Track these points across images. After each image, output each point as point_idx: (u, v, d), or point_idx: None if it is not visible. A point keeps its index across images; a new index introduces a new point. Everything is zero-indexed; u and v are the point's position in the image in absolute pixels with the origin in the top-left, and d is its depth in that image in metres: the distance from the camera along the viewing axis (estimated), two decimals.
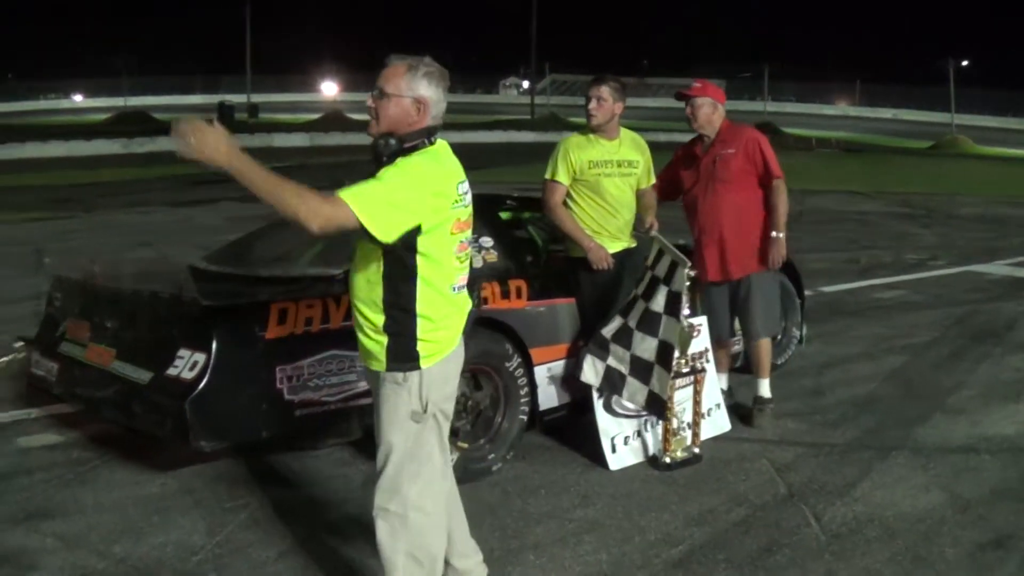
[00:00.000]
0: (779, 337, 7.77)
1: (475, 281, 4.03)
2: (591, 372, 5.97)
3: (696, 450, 6.10)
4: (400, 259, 3.62)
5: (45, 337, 6.25)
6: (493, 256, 6.15)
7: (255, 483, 5.70)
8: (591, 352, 6.00)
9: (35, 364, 6.12)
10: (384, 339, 3.72)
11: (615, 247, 6.33)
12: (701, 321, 6.39)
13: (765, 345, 6.93)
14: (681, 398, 6.06)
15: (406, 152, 3.67)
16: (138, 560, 4.73)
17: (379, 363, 3.76)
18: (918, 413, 7.03)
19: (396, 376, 3.73)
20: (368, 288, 3.72)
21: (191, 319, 5.13)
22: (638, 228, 6.44)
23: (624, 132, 6.47)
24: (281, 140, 42.08)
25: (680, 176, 6.90)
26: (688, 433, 6.11)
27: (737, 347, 7.50)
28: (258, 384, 5.10)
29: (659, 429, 6.04)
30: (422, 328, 3.69)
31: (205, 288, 5.31)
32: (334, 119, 60.39)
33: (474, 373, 5.82)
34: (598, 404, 6.00)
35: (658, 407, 5.87)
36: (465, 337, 3.92)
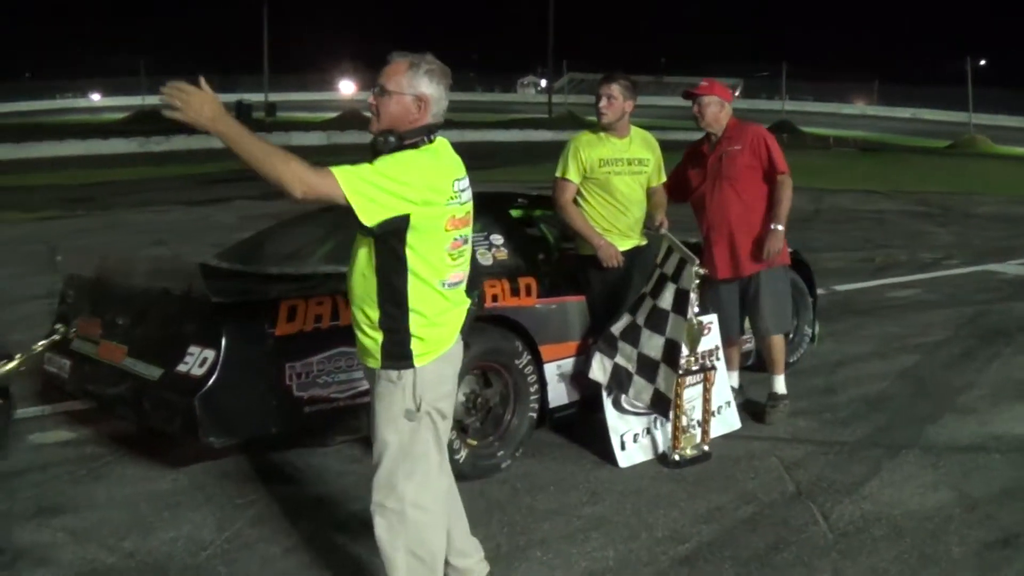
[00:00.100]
0: (791, 335, 7.76)
1: (475, 280, 4.03)
2: (599, 370, 6.00)
3: (705, 448, 6.11)
4: (392, 252, 3.63)
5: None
6: (503, 254, 6.18)
7: (265, 479, 5.73)
8: (600, 350, 6.02)
9: (48, 361, 6.17)
10: (379, 336, 3.73)
11: (625, 245, 6.35)
12: (711, 319, 6.39)
13: (778, 342, 6.93)
14: (691, 396, 6.07)
15: (404, 148, 3.68)
16: (147, 555, 4.77)
17: (374, 360, 3.79)
18: (928, 412, 7.02)
19: (390, 374, 3.75)
20: (363, 283, 3.74)
21: (201, 316, 5.17)
22: (648, 226, 6.45)
23: (635, 130, 6.48)
24: (298, 139, 42.07)
25: (688, 175, 6.91)
26: (698, 431, 6.12)
27: (748, 345, 7.50)
28: (267, 381, 5.13)
29: (669, 426, 6.04)
30: (415, 324, 3.70)
31: (215, 285, 5.33)
32: (351, 118, 60.31)
33: (484, 370, 5.85)
34: (607, 401, 6.01)
35: (663, 406, 5.89)
36: (463, 336, 3.92)
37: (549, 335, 6.12)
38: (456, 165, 3.82)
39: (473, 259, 5.83)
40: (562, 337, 6.23)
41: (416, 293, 3.68)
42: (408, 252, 3.63)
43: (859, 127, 70.30)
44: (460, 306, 3.87)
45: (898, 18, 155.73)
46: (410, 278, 3.66)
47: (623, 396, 6.02)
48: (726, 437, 6.43)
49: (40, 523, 5.10)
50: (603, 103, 6.29)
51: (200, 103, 3.28)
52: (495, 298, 5.82)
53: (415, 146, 3.70)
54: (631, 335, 5.96)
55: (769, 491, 5.60)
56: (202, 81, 3.33)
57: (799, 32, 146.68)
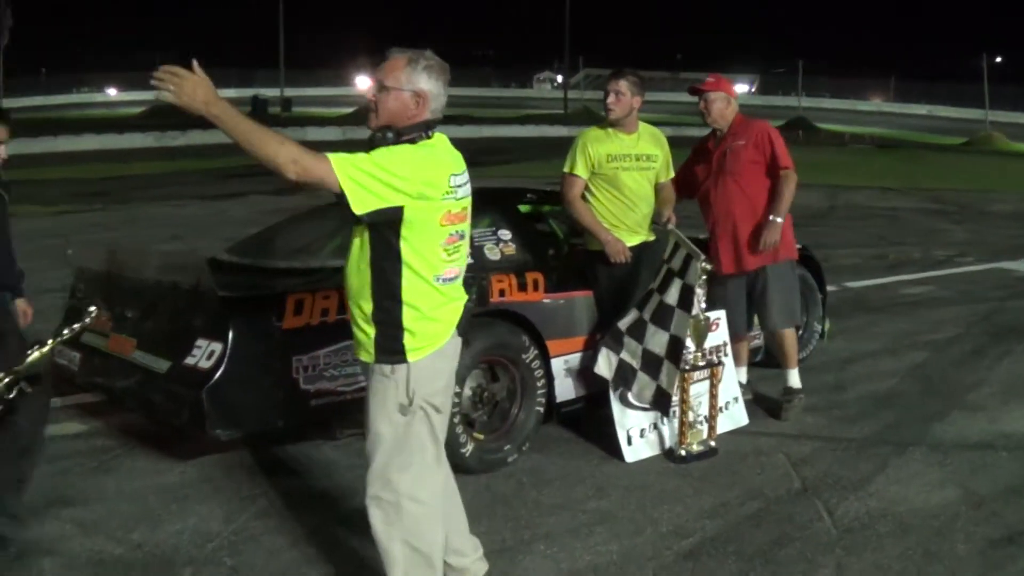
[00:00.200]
0: (800, 332, 7.76)
1: (474, 276, 4.03)
2: (605, 365, 6.01)
3: (712, 443, 6.12)
4: (387, 245, 3.63)
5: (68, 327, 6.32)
6: (511, 249, 6.19)
7: (273, 472, 5.77)
8: (606, 345, 6.03)
9: (58, 354, 6.19)
10: (372, 330, 3.74)
11: (633, 240, 6.36)
12: (719, 315, 6.40)
13: (790, 336, 6.93)
14: (697, 391, 6.08)
15: (402, 143, 3.68)
16: (154, 546, 4.81)
17: (368, 354, 3.80)
18: (937, 409, 7.01)
19: (384, 368, 3.76)
20: (358, 276, 3.75)
21: (208, 310, 5.19)
22: (656, 222, 6.46)
23: (643, 126, 6.49)
24: (314, 134, 42.04)
25: (694, 171, 6.91)
26: (704, 426, 6.13)
27: (757, 341, 7.51)
28: (274, 374, 5.16)
29: (675, 422, 6.05)
30: (409, 317, 3.70)
31: (223, 279, 5.36)
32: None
33: (491, 365, 5.87)
34: (614, 396, 6.03)
35: (664, 403, 5.90)
36: (461, 332, 3.92)
37: (556, 330, 6.14)
38: (454, 160, 3.82)
39: (480, 254, 5.88)
40: (569, 332, 6.24)
41: (410, 287, 3.68)
42: (402, 245, 3.63)
43: (875, 124, 70.01)
44: (456, 301, 3.87)
45: (915, 15, 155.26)
46: (404, 271, 3.66)
47: (627, 392, 6.03)
48: (733, 433, 6.44)
49: (49, 515, 5.13)
50: (611, 99, 6.30)
51: (193, 87, 3.27)
52: (502, 293, 5.84)
53: (412, 141, 3.70)
54: (637, 331, 5.97)
55: (775, 487, 5.60)
56: (195, 64, 3.32)
57: (815, 29, 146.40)
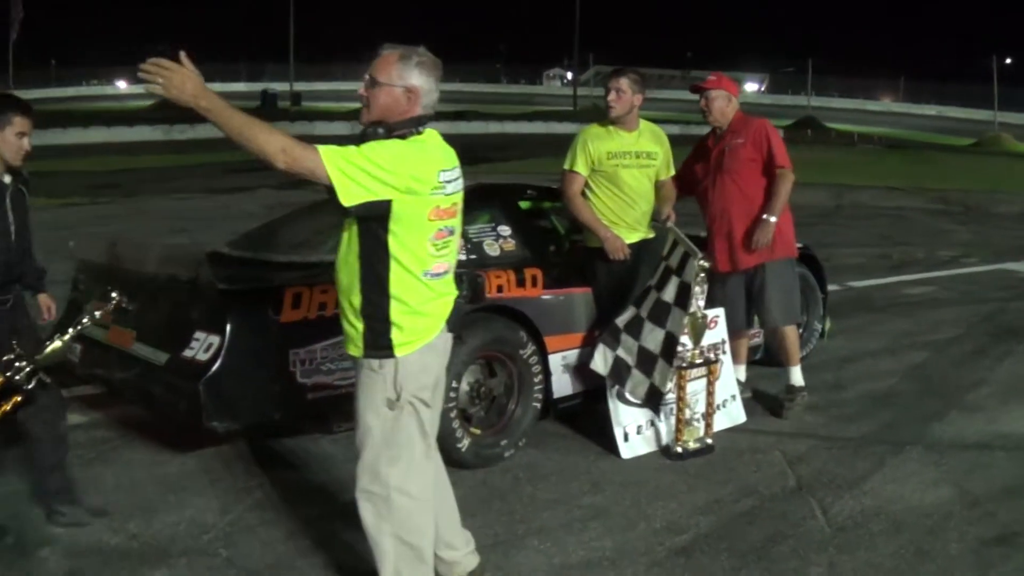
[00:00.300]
0: (801, 330, 7.76)
1: (465, 272, 4.04)
2: (601, 361, 6.03)
3: (709, 440, 6.13)
4: (375, 239, 3.65)
5: (70, 319, 6.35)
6: (511, 245, 6.21)
7: (271, 465, 5.80)
8: (603, 341, 6.05)
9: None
10: (360, 324, 3.77)
11: (632, 238, 6.38)
12: (718, 312, 6.41)
13: (791, 333, 6.93)
14: (694, 389, 6.10)
15: (392, 139, 3.70)
16: (151, 537, 4.84)
17: (356, 348, 3.82)
18: (935, 409, 7.02)
19: (372, 363, 3.78)
20: (347, 270, 3.78)
21: (207, 303, 5.22)
22: (655, 219, 6.48)
23: (644, 124, 6.52)
24: (323, 128, 42.12)
25: (694, 169, 6.92)
26: (701, 423, 6.14)
27: (756, 340, 7.52)
28: (271, 367, 5.19)
29: (672, 419, 6.07)
30: (396, 311, 3.72)
31: (222, 273, 5.38)
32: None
33: (488, 360, 5.89)
34: (611, 393, 6.04)
35: (655, 401, 5.92)
36: (452, 327, 3.93)
37: (554, 326, 6.15)
38: (445, 156, 3.83)
39: (479, 250, 5.90)
40: (567, 328, 6.26)
41: (398, 281, 3.70)
42: (391, 240, 3.65)
43: (884, 124, 70.05)
44: (446, 296, 3.88)
45: (925, 15, 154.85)
46: (392, 265, 3.68)
47: (622, 389, 6.04)
48: (731, 430, 6.46)
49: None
50: (612, 97, 6.33)
51: (182, 80, 3.29)
52: (500, 288, 5.86)
53: (403, 137, 3.71)
54: (634, 328, 5.99)
55: (770, 485, 5.62)
56: (183, 56, 3.33)
57: (826, 28, 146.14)
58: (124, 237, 8.72)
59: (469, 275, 4.05)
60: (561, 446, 6.17)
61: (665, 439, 6.11)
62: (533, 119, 55.34)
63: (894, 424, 6.71)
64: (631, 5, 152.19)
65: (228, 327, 5.06)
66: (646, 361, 5.90)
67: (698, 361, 6.08)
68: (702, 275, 5.88)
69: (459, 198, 3.89)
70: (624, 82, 6.31)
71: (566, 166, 6.45)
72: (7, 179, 4.72)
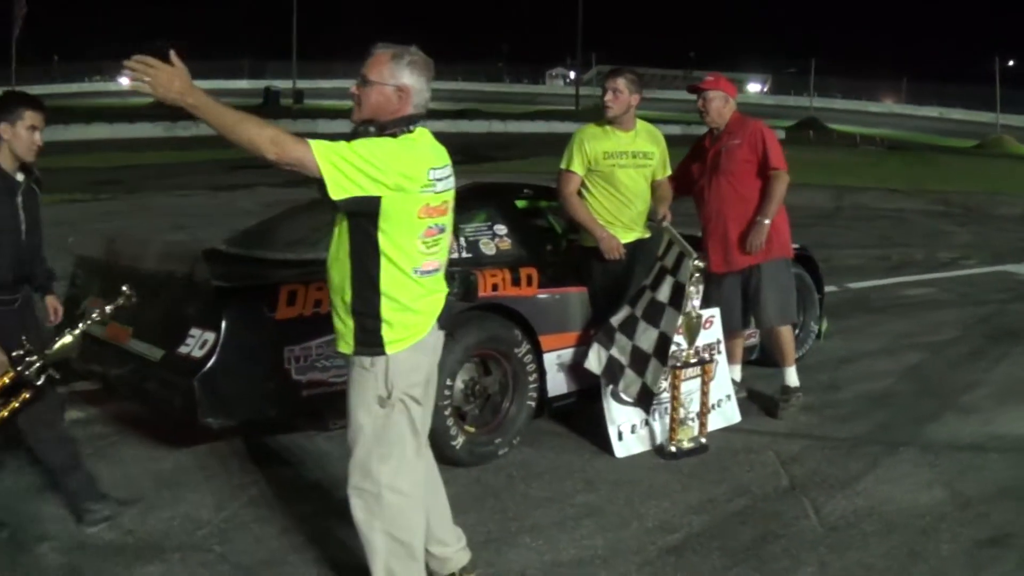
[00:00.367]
0: (797, 331, 7.77)
1: (458, 270, 4.05)
2: (595, 360, 6.05)
3: (703, 440, 6.15)
4: (365, 235, 3.67)
5: (68, 316, 6.37)
6: (507, 244, 6.22)
7: (266, 462, 5.82)
8: (598, 340, 6.07)
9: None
10: (351, 320, 3.79)
11: (628, 237, 6.39)
12: (713, 313, 6.43)
13: (786, 333, 6.95)
14: (688, 388, 6.11)
15: (383, 137, 3.72)
16: (145, 532, 4.87)
17: (347, 346, 3.85)
18: (931, 410, 7.03)
19: (363, 360, 3.80)
20: (338, 266, 3.80)
21: (202, 299, 5.23)
22: (651, 219, 6.49)
23: (640, 124, 6.52)
24: (325, 126, 42.09)
25: (691, 169, 6.94)
26: (695, 423, 6.16)
27: (752, 340, 7.53)
28: (266, 364, 5.21)
29: (667, 418, 6.09)
30: (387, 308, 3.73)
31: (218, 270, 5.41)
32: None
33: (483, 358, 5.92)
34: (606, 392, 6.06)
35: (647, 401, 5.93)
36: (444, 325, 3.95)
37: (549, 325, 6.17)
38: (435, 154, 3.85)
39: (475, 248, 5.90)
40: (563, 327, 6.27)
41: (389, 278, 3.71)
42: (380, 236, 3.67)
43: (886, 125, 69.97)
44: (436, 293, 3.90)
45: (928, 17, 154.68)
46: (382, 262, 3.69)
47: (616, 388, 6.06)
48: (725, 430, 6.47)
49: (44, 499, 5.19)
50: (609, 96, 6.34)
51: (169, 78, 3.30)
52: (495, 287, 5.87)
53: (394, 135, 3.73)
54: (629, 327, 6.00)
55: (763, 484, 5.63)
56: (172, 54, 3.34)
57: (828, 29, 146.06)
58: (121, 233, 8.74)
59: (461, 273, 4.06)
60: (555, 444, 6.19)
61: (659, 438, 6.13)
62: (535, 118, 55.31)
63: (889, 425, 6.72)
64: (634, 5, 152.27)
65: (223, 324, 5.08)
66: (639, 361, 5.92)
67: (692, 361, 6.10)
68: (697, 275, 5.90)
69: (450, 196, 3.91)
70: (621, 82, 6.32)
71: (562, 165, 6.46)
72: (20, 177, 4.72)
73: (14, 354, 4.46)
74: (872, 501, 5.39)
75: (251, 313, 5.21)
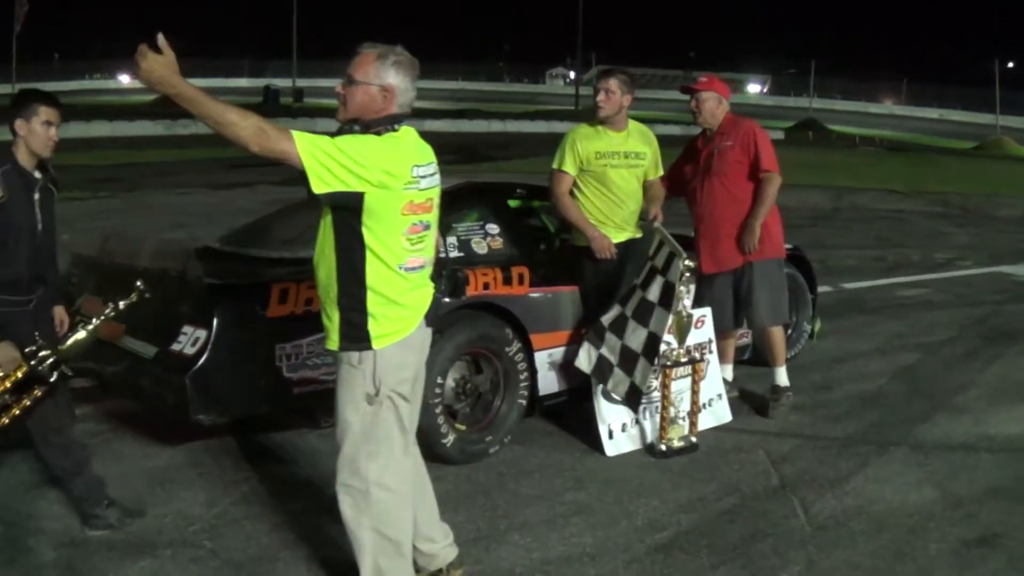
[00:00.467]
0: (789, 331, 7.79)
1: (442, 267, 4.07)
2: (585, 359, 6.07)
3: (693, 439, 6.16)
4: (350, 230, 3.69)
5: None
6: (498, 243, 6.25)
7: (259, 459, 5.85)
8: (588, 339, 6.09)
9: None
10: (337, 315, 3.81)
11: (619, 237, 6.41)
12: (705, 312, 6.45)
13: (777, 333, 6.96)
14: (679, 387, 6.13)
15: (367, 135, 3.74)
16: (137, 528, 4.90)
17: (333, 342, 3.87)
18: (923, 410, 7.05)
19: (351, 357, 3.82)
20: (325, 262, 3.81)
21: (195, 297, 5.26)
22: (642, 219, 6.50)
23: (632, 124, 6.54)
24: (324, 125, 41.93)
25: (684, 170, 6.96)
26: (686, 422, 6.17)
27: (744, 339, 7.55)
28: (258, 361, 5.23)
29: (657, 417, 6.11)
30: (373, 302, 3.76)
31: (211, 267, 5.43)
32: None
33: (474, 357, 5.94)
34: (597, 390, 6.08)
35: (635, 400, 5.96)
36: (431, 322, 3.96)
37: (541, 324, 6.19)
38: (419, 152, 3.87)
39: (467, 247, 5.92)
40: (554, 326, 6.29)
41: (374, 272, 3.74)
42: (365, 232, 3.69)
43: (886, 127, 70.00)
44: (423, 288, 3.92)
45: (928, 18, 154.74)
46: (368, 257, 3.72)
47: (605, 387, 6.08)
48: (716, 429, 6.49)
49: (38, 495, 5.22)
50: (601, 97, 6.36)
51: (149, 65, 3.30)
52: (487, 286, 5.90)
53: (378, 134, 3.75)
54: (618, 326, 6.02)
55: (753, 483, 5.65)
56: (161, 40, 3.33)
57: (828, 30, 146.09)
58: (116, 231, 8.78)
59: (449, 270, 4.08)
60: (546, 443, 6.21)
61: (650, 437, 6.15)
62: (535, 118, 55.28)
63: (880, 425, 6.74)
64: (634, 5, 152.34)
65: (215, 321, 5.10)
66: (628, 360, 5.94)
67: (683, 360, 6.11)
68: (687, 275, 5.92)
69: (435, 193, 3.93)
70: (613, 82, 6.34)
71: (554, 165, 6.48)
72: (37, 175, 4.72)
73: (27, 349, 4.47)
74: (861, 500, 5.41)
75: (243, 311, 5.23)
